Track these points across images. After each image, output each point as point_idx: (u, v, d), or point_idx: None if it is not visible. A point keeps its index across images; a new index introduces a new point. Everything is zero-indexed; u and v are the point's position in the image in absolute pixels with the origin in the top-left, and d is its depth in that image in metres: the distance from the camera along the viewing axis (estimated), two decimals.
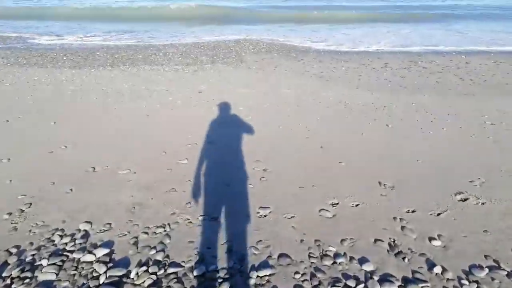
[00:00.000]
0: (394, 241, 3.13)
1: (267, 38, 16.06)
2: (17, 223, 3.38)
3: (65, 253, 2.99)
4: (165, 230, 3.28)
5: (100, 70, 10.20)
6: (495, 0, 32.09)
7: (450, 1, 30.79)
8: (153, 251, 3.01)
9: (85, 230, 3.27)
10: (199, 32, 17.93)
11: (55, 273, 2.78)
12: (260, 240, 3.15)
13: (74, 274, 2.77)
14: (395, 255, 2.99)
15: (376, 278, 2.76)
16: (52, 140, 5.19)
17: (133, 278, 2.74)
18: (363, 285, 2.69)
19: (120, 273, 2.77)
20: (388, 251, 3.03)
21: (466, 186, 4.01)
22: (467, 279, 2.76)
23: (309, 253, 3.01)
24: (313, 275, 2.78)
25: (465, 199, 3.77)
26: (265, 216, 3.47)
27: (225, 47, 13.75)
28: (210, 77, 9.18)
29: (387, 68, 10.18)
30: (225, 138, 5.29)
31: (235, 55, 12.30)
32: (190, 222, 3.37)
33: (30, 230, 3.28)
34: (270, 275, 2.79)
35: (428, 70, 9.83)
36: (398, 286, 2.69)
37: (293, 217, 3.45)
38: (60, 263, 2.87)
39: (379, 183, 4.05)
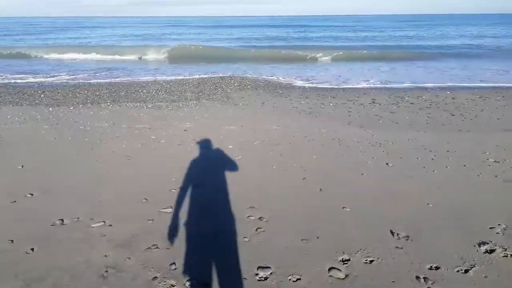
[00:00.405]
0: None
1: (251, 75, 15.86)
2: None
3: None
4: None
5: (80, 107, 9.61)
6: (471, 39, 33.40)
7: (425, 42, 31.86)
8: None
9: None
10: (182, 70, 17.68)
11: None
12: None
13: None
14: None
15: None
16: (17, 187, 4.50)
17: None
18: None
19: None
20: None
21: (488, 234, 3.51)
22: None
23: None
24: None
25: (491, 251, 3.25)
26: (265, 278, 2.86)
27: (211, 83, 13.42)
28: (195, 114, 8.70)
29: (375, 104, 9.92)
30: (213, 180, 4.72)
31: (221, 92, 11.93)
32: None
33: None
34: None
35: (416, 106, 9.60)
36: None
37: (299, 279, 2.85)
38: None
39: (392, 232, 3.51)
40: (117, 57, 21.61)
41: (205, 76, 15.66)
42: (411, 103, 9.92)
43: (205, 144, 6.27)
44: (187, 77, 15.23)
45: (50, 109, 9.37)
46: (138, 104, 10.01)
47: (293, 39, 35.12)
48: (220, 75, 15.88)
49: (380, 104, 9.92)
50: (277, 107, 9.59)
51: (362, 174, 4.94)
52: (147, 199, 4.20)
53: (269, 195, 4.31)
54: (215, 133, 6.96)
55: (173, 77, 15.39)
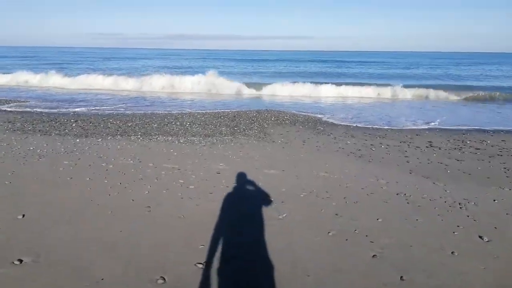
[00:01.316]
0: None
1: (288, 109, 14.80)
2: None
3: None
4: None
5: (108, 140, 8.78)
6: None
7: (472, 81, 29.94)
8: None
9: None
10: (217, 103, 16.94)
11: None
12: None
13: None
14: None
15: None
16: (7, 248, 3.48)
17: None
18: None
19: None
20: None
21: None
22: None
23: None
24: None
25: None
26: None
27: (246, 117, 12.42)
28: (230, 152, 7.61)
29: (434, 148, 8.49)
30: (254, 251, 3.52)
31: (258, 127, 10.88)
32: None
33: None
34: None
35: (484, 152, 8.09)
36: None
37: None
38: None
39: None
40: (154, 88, 21.17)
41: (241, 109, 14.75)
42: (477, 149, 8.41)
43: (240, 194, 5.12)
44: (223, 110, 14.36)
45: (77, 140, 8.59)
46: (170, 138, 9.08)
47: (329, 74, 34.09)
48: (256, 108, 14.95)
49: (439, 148, 8.48)
50: (320, 147, 8.36)
51: (452, 253, 3.57)
52: (164, 279, 3.03)
53: (329, 281, 3.04)
54: (253, 178, 5.80)
55: (208, 110, 14.57)
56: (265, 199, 4.88)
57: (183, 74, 24.57)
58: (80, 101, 16.48)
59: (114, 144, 8.22)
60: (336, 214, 4.48)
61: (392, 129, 10.92)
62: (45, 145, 7.93)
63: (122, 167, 6.33)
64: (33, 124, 10.57)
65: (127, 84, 21.77)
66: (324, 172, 6.30)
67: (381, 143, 8.89)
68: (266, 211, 4.50)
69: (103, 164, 6.44)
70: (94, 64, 46.13)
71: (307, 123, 11.72)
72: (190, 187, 5.39)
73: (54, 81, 22.61)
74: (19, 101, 15.70)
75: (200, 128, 10.46)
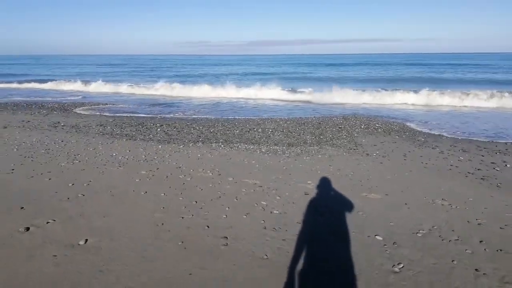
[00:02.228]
0: None
1: (377, 116, 13.17)
2: None
3: None
4: None
5: (190, 146, 8.27)
6: None
7: None
8: None
9: None
10: (297, 110, 15.88)
11: None
12: None
13: None
14: None
15: None
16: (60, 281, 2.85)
17: None
18: None
19: None
20: None
21: None
22: None
23: None
24: None
25: None
26: None
27: (332, 124, 11.17)
28: (318, 166, 6.51)
29: None
30: None
31: (346, 135, 9.59)
32: None
33: None
34: None
35: None
36: None
37: None
38: None
39: None
40: (239, 93, 20.77)
41: (325, 115, 13.52)
42: None
43: (336, 227, 3.99)
44: (307, 116, 13.26)
45: (160, 146, 8.20)
46: (251, 146, 8.27)
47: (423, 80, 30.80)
48: (341, 112, 13.59)
49: None
50: (428, 164, 6.83)
51: None
52: None
53: None
54: (349, 203, 4.64)
55: (291, 116, 13.61)
56: (368, 240, 3.70)
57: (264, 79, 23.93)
58: (176, 106, 16.72)
59: (195, 152, 7.65)
60: (477, 270, 3.13)
61: (507, 143, 8.80)
62: (128, 151, 7.64)
63: (200, 180, 5.62)
64: (121, 128, 10.60)
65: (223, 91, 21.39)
66: (441, 199, 4.87)
67: (505, 162, 7.02)
68: (375, 258, 3.33)
69: (181, 177, 5.80)
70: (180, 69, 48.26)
71: (404, 132, 10.09)
72: (275, 211, 4.42)
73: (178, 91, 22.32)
74: (116, 105, 16.42)
75: (283, 136, 9.51)
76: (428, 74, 35.49)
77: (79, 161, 6.74)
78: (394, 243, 3.62)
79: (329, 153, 7.67)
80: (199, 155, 7.40)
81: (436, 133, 10.11)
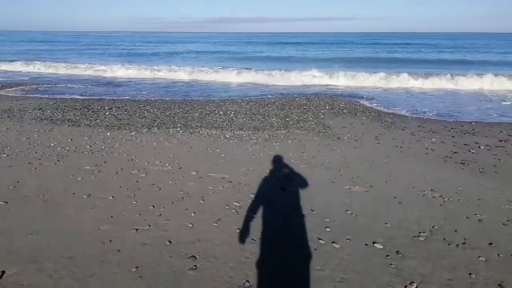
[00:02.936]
0: None
1: (341, 96, 12.71)
2: None
3: None
4: None
5: (143, 133, 7.20)
6: None
7: None
8: None
9: None
10: (254, 90, 15.01)
11: None
12: None
13: None
14: None
15: None
16: None
17: None
18: None
19: None
20: None
21: None
22: None
23: None
24: None
25: None
26: None
27: (296, 105, 10.49)
28: (290, 154, 5.80)
29: None
30: None
31: (313, 117, 8.95)
32: None
33: None
34: None
35: None
36: None
37: None
38: None
39: None
40: (194, 74, 19.20)
41: (287, 94, 12.83)
42: None
43: (328, 232, 3.30)
44: (269, 97, 12.48)
45: (108, 133, 7.06)
46: (214, 131, 7.37)
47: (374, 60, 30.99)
48: (304, 93, 12.96)
49: None
50: (403, 148, 6.36)
51: None
52: None
53: None
54: (335, 199, 3.97)
55: (252, 96, 12.76)
56: (370, 248, 3.04)
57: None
58: (120, 86, 15.16)
59: (150, 140, 6.62)
60: (501, 286, 2.58)
61: (478, 123, 8.63)
62: (69, 140, 6.45)
63: (158, 176, 4.68)
64: (63, 112, 9.19)
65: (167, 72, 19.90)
66: (431, 190, 4.35)
67: (477, 143, 6.73)
68: (381, 275, 2.67)
69: (134, 172, 4.82)
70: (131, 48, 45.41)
71: (369, 113, 9.64)
72: (251, 215, 3.64)
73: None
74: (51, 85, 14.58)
75: (247, 119, 8.68)
76: (382, 54, 35.83)
77: (7, 155, 5.50)
78: (397, 252, 2.99)
79: (299, 138, 6.98)
80: (154, 144, 6.39)
81: (401, 114, 9.77)
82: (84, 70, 20.37)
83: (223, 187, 4.37)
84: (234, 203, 3.89)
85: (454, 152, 6.10)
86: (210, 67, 20.23)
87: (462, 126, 8.23)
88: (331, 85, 15.70)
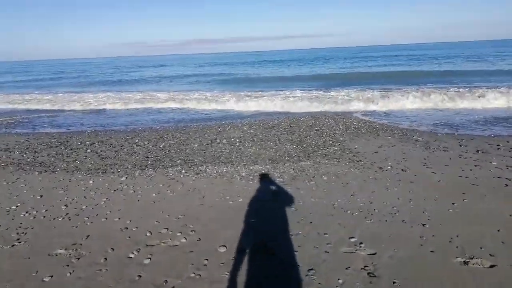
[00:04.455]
0: None
1: (343, 113, 11.33)
2: None
3: None
4: None
5: (136, 176, 5.51)
6: None
7: None
8: None
9: None
10: (248, 116, 13.44)
11: None
12: None
13: None
14: None
15: None
16: None
17: None
18: None
19: None
20: None
21: None
22: None
23: None
24: None
25: None
26: None
27: (306, 127, 8.99)
28: (338, 199, 4.23)
29: None
30: None
31: (333, 140, 7.45)
32: None
33: None
34: None
35: None
36: None
37: None
38: None
39: None
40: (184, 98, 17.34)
41: (289, 114, 11.35)
42: None
43: None
44: (269, 117, 10.96)
45: (91, 182, 5.32)
46: (225, 169, 5.74)
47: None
48: (306, 112, 11.50)
49: None
50: (468, 178, 4.88)
51: None
52: None
53: None
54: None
55: (251, 119, 11.22)
56: None
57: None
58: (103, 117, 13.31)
59: (146, 188, 4.93)
60: None
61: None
62: (38, 197, 4.68)
63: (169, 262, 2.98)
64: (35, 152, 7.35)
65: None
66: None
67: None
68: None
69: (132, 256, 3.10)
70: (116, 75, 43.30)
71: (391, 131, 8.24)
72: None
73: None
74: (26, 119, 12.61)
75: (257, 147, 7.09)
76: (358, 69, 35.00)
77: None
78: None
79: (333, 171, 5.44)
80: (153, 195, 4.69)
81: (422, 130, 8.41)
82: (67, 102, 18.35)
83: (277, 275, 2.72)
84: None
85: None
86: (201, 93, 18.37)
87: (496, 141, 6.90)
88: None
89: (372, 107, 11.72)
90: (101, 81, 30.06)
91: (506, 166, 5.34)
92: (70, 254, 3.16)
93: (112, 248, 3.22)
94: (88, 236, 3.51)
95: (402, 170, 5.38)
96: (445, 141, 7.07)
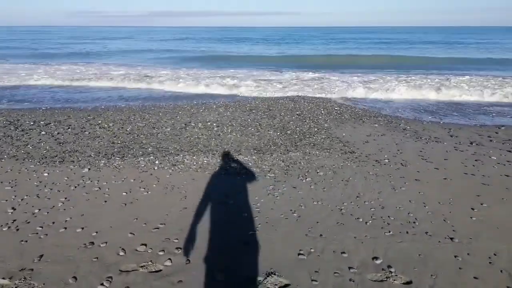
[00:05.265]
0: None
1: (310, 94, 10.78)
2: None
3: None
4: None
5: (101, 168, 4.62)
6: None
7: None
8: None
9: None
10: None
11: None
12: None
13: None
14: None
15: None
16: None
17: None
18: None
19: None
20: None
21: None
22: None
23: None
24: None
25: None
26: None
27: (286, 110, 8.33)
28: (344, 202, 3.65)
29: None
30: None
31: (316, 127, 6.88)
32: None
33: None
34: None
35: None
36: None
37: None
38: None
39: None
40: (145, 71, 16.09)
41: (264, 96, 10.61)
42: None
43: None
44: (244, 98, 10.17)
45: (46, 174, 4.36)
46: (205, 159, 4.97)
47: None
48: (281, 95, 10.81)
49: None
50: (474, 175, 4.50)
51: None
52: None
53: None
54: None
55: (224, 99, 10.37)
56: None
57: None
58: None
59: (115, 184, 4.07)
60: None
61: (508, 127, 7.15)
62: None
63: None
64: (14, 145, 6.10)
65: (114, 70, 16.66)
66: None
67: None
68: None
69: None
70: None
71: (374, 117, 7.80)
72: None
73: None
74: None
75: (238, 134, 6.35)
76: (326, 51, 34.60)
77: None
78: None
79: (328, 165, 4.86)
80: (124, 193, 3.86)
81: (408, 117, 8.06)
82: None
83: None
84: None
85: None
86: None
87: (488, 131, 6.68)
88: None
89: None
90: (59, 53, 27.19)
91: (508, 161, 5.02)
92: (16, 287, 2.32)
93: (74, 277, 2.42)
94: (41, 256, 2.66)
95: (402, 164, 4.90)
96: (433, 131, 6.72)
